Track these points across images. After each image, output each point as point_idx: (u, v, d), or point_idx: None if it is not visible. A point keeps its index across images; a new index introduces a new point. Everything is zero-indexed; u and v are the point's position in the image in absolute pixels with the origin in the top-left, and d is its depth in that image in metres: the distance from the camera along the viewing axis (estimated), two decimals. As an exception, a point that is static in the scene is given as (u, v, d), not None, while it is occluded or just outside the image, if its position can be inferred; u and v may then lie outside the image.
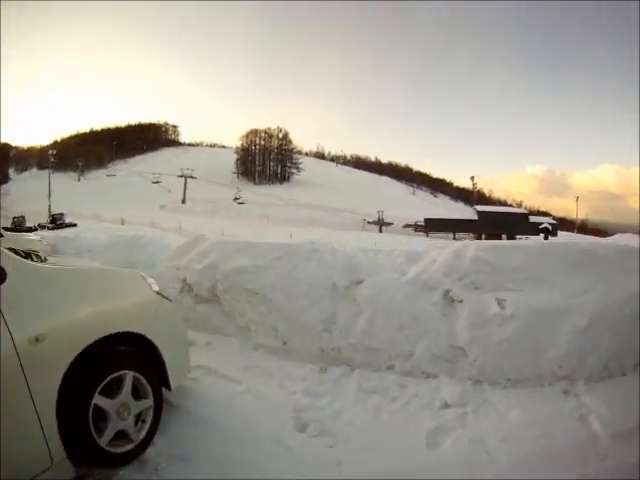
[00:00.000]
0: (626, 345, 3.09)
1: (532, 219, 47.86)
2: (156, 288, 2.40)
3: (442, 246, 3.61)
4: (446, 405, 2.78)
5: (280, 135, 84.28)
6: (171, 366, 2.27)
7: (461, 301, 3.25)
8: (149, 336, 2.14)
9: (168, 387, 2.28)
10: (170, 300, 2.56)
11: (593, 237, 60.24)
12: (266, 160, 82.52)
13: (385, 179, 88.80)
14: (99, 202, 49.48)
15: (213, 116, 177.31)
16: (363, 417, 2.71)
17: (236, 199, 58.91)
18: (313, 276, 3.60)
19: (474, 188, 64.90)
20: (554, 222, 48.27)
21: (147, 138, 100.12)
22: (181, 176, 62.04)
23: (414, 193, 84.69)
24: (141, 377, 2.02)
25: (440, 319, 3.21)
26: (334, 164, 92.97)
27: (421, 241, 33.78)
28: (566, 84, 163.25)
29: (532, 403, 2.84)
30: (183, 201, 60.61)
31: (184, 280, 4.12)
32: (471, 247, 3.40)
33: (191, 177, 61.85)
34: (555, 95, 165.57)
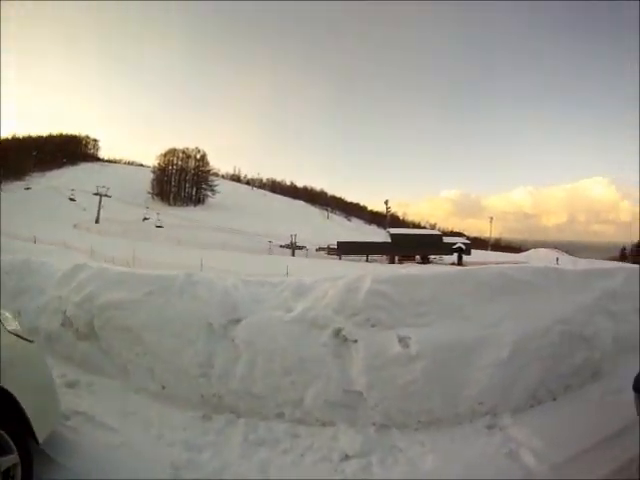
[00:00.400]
0: (555, 370, 2.95)
1: (446, 239, 49.43)
2: (12, 327, 2.15)
3: (335, 278, 3.15)
4: (346, 457, 2.49)
5: (198, 156, 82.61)
6: (35, 417, 2.00)
7: (356, 341, 2.82)
8: (4, 385, 1.87)
9: (35, 440, 2.01)
10: (30, 340, 2.24)
11: (507, 254, 63.62)
12: (182, 181, 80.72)
13: (299, 203, 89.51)
14: (12, 217, 46.05)
15: (133, 132, 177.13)
16: (249, 474, 2.41)
17: (145, 219, 57.70)
18: (187, 314, 3.17)
19: (387, 211, 66.03)
20: (467, 242, 50.12)
21: (67, 150, 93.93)
22: (96, 194, 60.17)
23: (328, 217, 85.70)
24: (1, 431, 1.81)
25: (332, 362, 2.87)
26: (250, 187, 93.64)
27: (332, 264, 33.87)
28: (479, 112, 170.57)
29: (450, 444, 2.59)
30: (97, 221, 58.69)
31: (64, 313, 3.67)
32: (366, 279, 2.95)
33: (106, 195, 60.10)
34: (469, 121, 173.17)
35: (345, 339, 2.87)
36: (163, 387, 3.18)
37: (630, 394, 2.58)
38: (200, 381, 3.06)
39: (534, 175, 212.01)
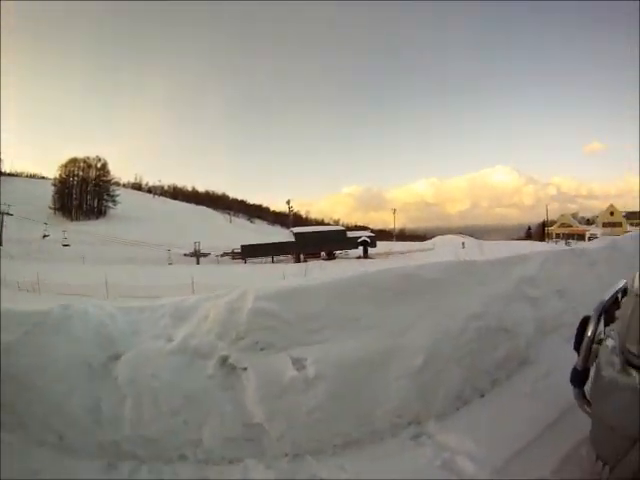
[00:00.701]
0: (478, 367, 2.78)
1: (350, 234, 50.21)
2: None
3: (218, 295, 2.77)
4: (264, 493, 2.14)
5: (98, 165, 75.53)
6: None
7: (245, 369, 2.46)
8: None
9: None
10: None
11: (413, 242, 67.49)
12: (83, 193, 74.22)
13: (202, 209, 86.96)
14: None
15: (33, 140, 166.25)
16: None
17: (45, 236, 52.82)
18: (65, 354, 2.70)
19: (290, 211, 66.68)
20: (372, 234, 51.09)
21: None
22: (-1, 213, 54.14)
23: (231, 221, 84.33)
24: None
25: (222, 395, 2.51)
26: (151, 195, 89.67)
27: (237, 269, 34.09)
28: (379, 107, 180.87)
29: (374, 463, 2.31)
30: None
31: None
32: (249, 297, 2.57)
33: (7, 214, 53.32)
34: (367, 117, 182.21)
35: (233, 367, 2.51)
36: (61, 438, 2.73)
37: (560, 377, 2.50)
38: (94, 428, 2.64)
39: (437, 167, 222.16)
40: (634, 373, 1.38)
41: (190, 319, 2.73)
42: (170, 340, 2.64)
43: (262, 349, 2.48)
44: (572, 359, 3.38)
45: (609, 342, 1.58)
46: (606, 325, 1.80)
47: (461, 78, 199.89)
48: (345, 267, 35.99)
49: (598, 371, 1.58)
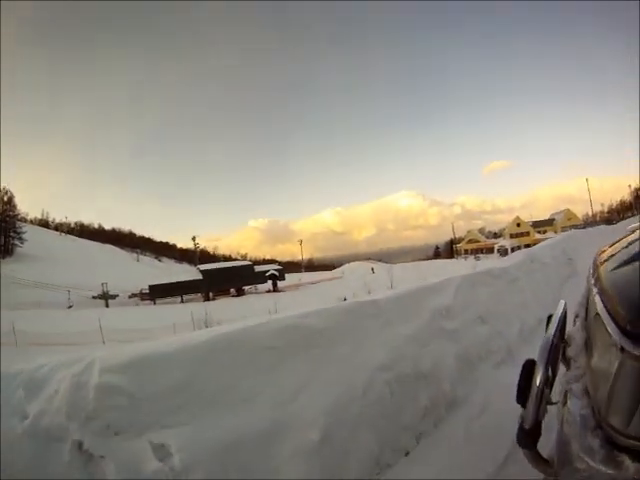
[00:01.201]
0: (396, 424, 2.37)
1: (258, 268, 51.28)
2: None
3: (71, 360, 2.08)
4: None
5: (5, 198, 68.51)
6: None
7: (102, 457, 1.76)
8: None
9: None
10: None
11: (322, 272, 72.36)
12: None
13: (108, 247, 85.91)
14: None
15: None
16: None
17: None
18: None
19: (196, 248, 65.73)
20: (280, 267, 52.75)
21: None
22: None
23: (138, 259, 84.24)
24: None
25: None
26: (58, 233, 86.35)
27: (148, 312, 33.38)
28: (280, 142, 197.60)
29: None
30: None
31: None
32: (95, 369, 1.91)
33: None
34: (272, 150, 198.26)
35: (91, 455, 1.84)
36: None
37: (498, 413, 2.54)
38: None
39: (341, 196, 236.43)
40: (626, 461, 0.89)
41: (42, 391, 2.03)
42: (25, 417, 1.95)
43: (116, 433, 1.81)
44: (508, 387, 2.98)
45: (574, 405, 1.13)
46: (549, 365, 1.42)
47: (364, 108, 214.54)
48: (253, 302, 34.62)
49: (566, 455, 1.11)
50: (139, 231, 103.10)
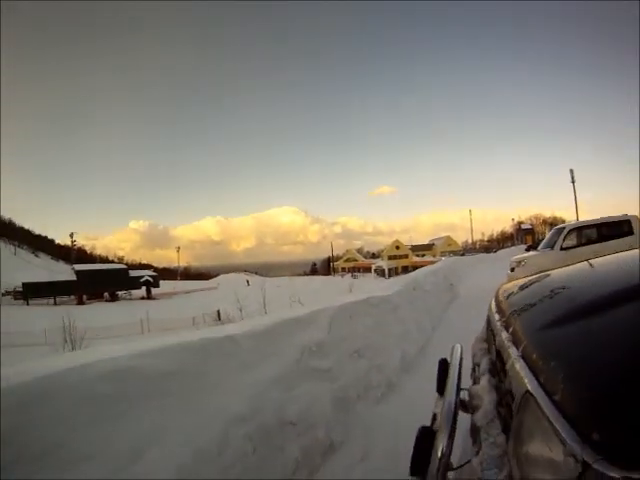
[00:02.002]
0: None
1: (133, 273, 51.40)
2: None
3: None
4: None
5: None
6: None
7: None
8: None
9: None
10: None
11: (197, 281, 76.03)
12: None
13: None
14: None
15: None
16: None
17: None
18: None
19: (73, 246, 62.85)
20: (154, 274, 53.46)
21: None
22: None
23: (15, 253, 79.12)
24: None
25: None
26: None
27: (18, 314, 31.57)
28: (169, 147, 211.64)
29: None
30: None
31: None
32: None
33: None
34: (159, 154, 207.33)
35: None
36: None
37: (385, 454, 2.43)
38: None
39: (223, 205, 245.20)
40: None
41: None
42: None
43: None
44: (390, 424, 2.79)
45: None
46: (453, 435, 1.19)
47: (253, 121, 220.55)
48: (127, 310, 32.87)
49: None
50: (19, 221, 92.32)
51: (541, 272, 1.94)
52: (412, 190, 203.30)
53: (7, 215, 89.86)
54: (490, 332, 1.58)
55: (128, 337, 23.47)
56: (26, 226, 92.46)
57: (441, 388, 1.46)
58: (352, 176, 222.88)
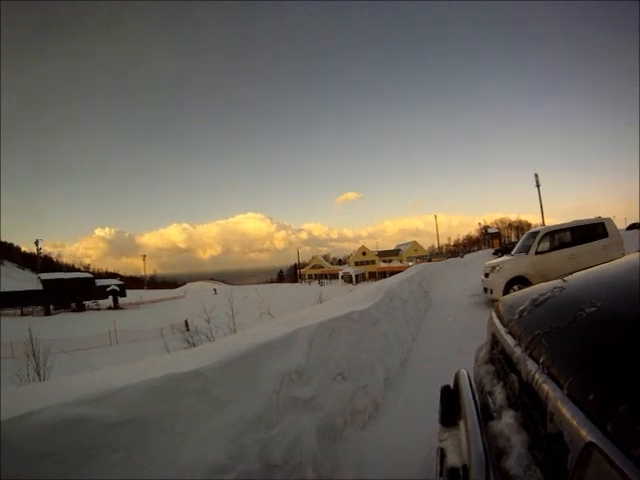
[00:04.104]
0: None
1: (100, 282, 51.54)
2: None
3: None
4: None
5: None
6: None
7: None
8: None
9: None
10: None
11: (164, 290, 76.65)
12: None
13: None
14: None
15: None
16: None
17: None
18: None
19: (39, 254, 61.88)
20: (121, 283, 53.68)
21: None
22: None
23: None
24: None
25: None
26: None
27: None
28: (136, 152, 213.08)
29: None
30: None
31: None
32: None
33: None
34: (125, 161, 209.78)
35: None
36: None
37: None
38: None
39: (188, 212, 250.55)
40: None
41: None
42: None
43: None
44: (378, 448, 2.55)
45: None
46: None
47: (217, 126, 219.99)
48: (96, 321, 33.41)
49: None
50: None
51: (545, 282, 1.79)
52: (378, 196, 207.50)
53: None
54: (500, 355, 1.45)
55: (96, 350, 23.42)
56: None
57: (447, 419, 1.41)
58: (318, 182, 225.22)
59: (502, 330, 1.47)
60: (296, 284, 73.83)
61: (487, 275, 9.54)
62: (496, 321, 1.63)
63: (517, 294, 1.83)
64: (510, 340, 1.32)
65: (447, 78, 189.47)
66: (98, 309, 46.64)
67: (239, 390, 1.98)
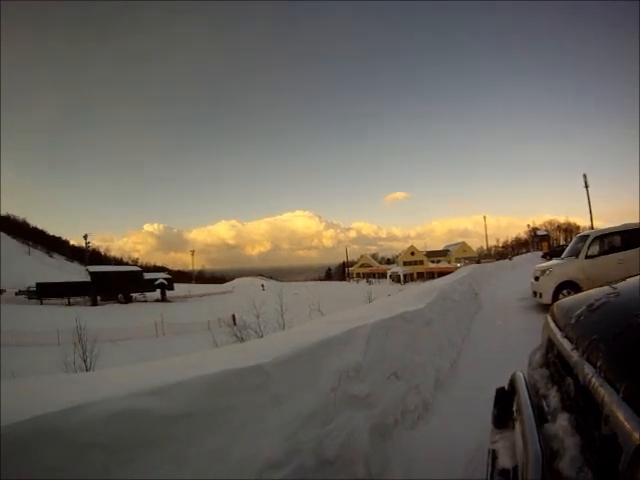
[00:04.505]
0: None
1: (148, 275, 51.75)
2: None
3: None
4: None
5: None
6: None
7: None
8: None
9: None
10: None
11: (213, 285, 75.16)
12: None
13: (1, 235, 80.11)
14: None
15: None
16: None
17: None
18: None
19: (87, 247, 63.85)
20: (169, 277, 53.91)
21: None
22: None
23: (29, 252, 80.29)
24: None
25: None
26: None
27: (33, 314, 32.20)
28: (180, 150, 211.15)
29: None
30: None
31: None
32: None
33: None
34: (173, 158, 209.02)
35: None
36: None
37: None
38: None
39: (237, 209, 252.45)
40: None
41: None
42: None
43: None
44: (426, 449, 2.48)
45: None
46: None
47: (265, 124, 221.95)
48: (142, 312, 34.14)
49: None
50: (33, 222, 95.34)
51: (599, 286, 1.77)
52: (426, 196, 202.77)
53: (22, 216, 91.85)
54: (556, 358, 1.44)
55: (142, 340, 23.65)
56: (40, 227, 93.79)
57: (499, 421, 1.42)
58: (366, 181, 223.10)
59: (558, 334, 1.46)
60: (344, 282, 73.52)
61: (537, 278, 9.20)
62: (552, 325, 1.61)
63: (572, 299, 1.81)
64: (567, 344, 1.31)
65: (497, 77, 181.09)
66: (145, 301, 47.64)
67: (297, 386, 1.96)
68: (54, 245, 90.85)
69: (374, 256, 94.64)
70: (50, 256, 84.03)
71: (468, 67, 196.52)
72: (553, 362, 1.46)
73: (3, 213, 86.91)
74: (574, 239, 10.08)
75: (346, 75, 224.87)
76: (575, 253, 8.91)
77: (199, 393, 1.57)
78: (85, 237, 60.86)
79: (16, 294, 43.15)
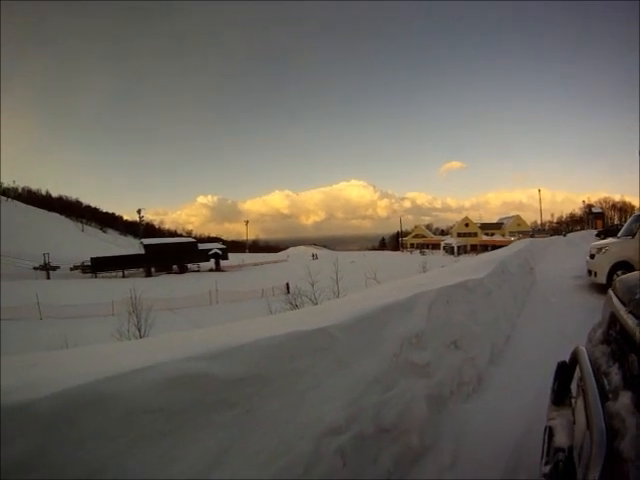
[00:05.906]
0: None
1: (202, 246, 51.21)
2: None
3: None
4: None
5: None
6: None
7: None
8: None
9: None
10: None
11: (266, 254, 74.10)
12: None
13: (54, 215, 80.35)
14: None
15: None
16: None
17: None
18: None
19: (141, 221, 63.89)
20: (223, 247, 53.08)
21: None
22: None
23: (83, 229, 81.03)
24: None
25: None
26: (5, 199, 77.63)
27: (86, 287, 32.54)
28: (234, 121, 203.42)
29: None
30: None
31: None
32: None
33: None
34: (224, 129, 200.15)
35: None
36: None
37: (474, 458, 2.19)
38: None
39: (292, 179, 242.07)
40: None
41: None
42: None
43: None
44: (478, 422, 2.62)
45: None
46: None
47: (320, 93, 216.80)
48: (195, 281, 34.61)
49: None
50: (86, 200, 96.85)
51: None
52: (481, 167, 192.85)
53: (74, 196, 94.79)
54: (619, 335, 1.35)
55: (196, 308, 23.80)
56: (93, 205, 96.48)
57: (558, 397, 1.39)
58: (421, 151, 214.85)
59: (622, 310, 1.37)
60: (397, 252, 72.13)
61: (592, 257, 8.66)
62: (615, 300, 1.52)
63: (636, 274, 1.72)
64: (631, 320, 1.24)
65: (559, 52, 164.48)
66: (199, 271, 47.91)
67: (361, 351, 1.82)
68: (108, 221, 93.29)
69: (428, 227, 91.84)
70: (104, 232, 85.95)
71: (524, 46, 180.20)
72: (615, 338, 1.38)
73: (56, 195, 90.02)
74: (631, 218, 9.36)
75: (401, 47, 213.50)
76: (631, 233, 8.33)
77: (263, 356, 1.45)
78: (139, 212, 61.42)
79: (71, 269, 43.81)
